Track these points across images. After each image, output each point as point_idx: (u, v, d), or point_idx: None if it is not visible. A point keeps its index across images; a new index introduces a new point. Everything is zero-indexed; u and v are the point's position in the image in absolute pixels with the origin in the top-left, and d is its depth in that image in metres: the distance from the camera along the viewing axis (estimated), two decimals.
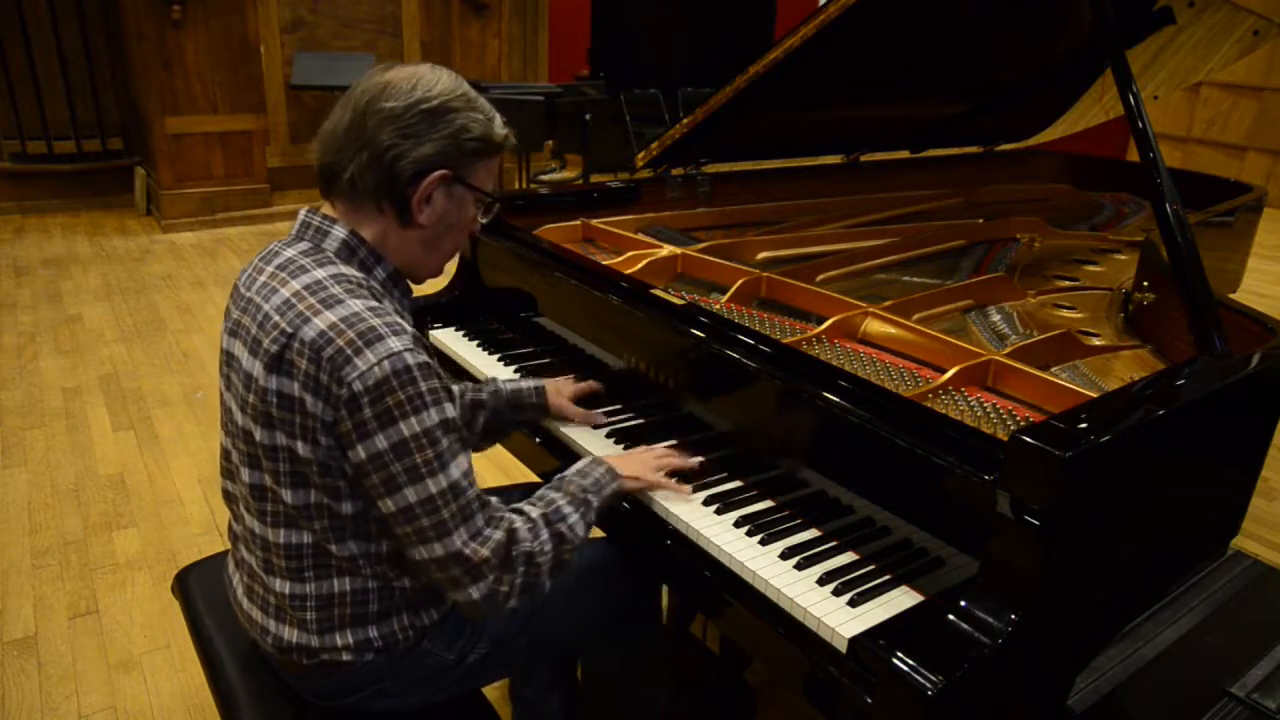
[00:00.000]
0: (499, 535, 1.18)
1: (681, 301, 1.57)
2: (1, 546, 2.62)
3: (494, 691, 1.97)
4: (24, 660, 2.19)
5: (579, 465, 1.40)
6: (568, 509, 1.29)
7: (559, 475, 1.38)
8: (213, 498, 2.90)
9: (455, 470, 1.14)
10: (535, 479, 1.77)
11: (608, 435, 1.59)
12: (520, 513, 1.26)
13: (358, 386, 1.07)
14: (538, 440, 1.68)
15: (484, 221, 1.31)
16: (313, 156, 1.23)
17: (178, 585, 1.59)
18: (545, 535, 1.24)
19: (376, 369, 1.07)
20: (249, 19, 5.96)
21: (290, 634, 1.24)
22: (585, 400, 1.68)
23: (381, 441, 1.09)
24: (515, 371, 1.85)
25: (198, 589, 1.55)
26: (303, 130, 6.36)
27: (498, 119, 1.25)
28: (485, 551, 1.16)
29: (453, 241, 1.29)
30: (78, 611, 2.37)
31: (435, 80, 1.19)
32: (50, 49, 6.03)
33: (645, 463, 1.43)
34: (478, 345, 1.96)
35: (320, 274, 1.16)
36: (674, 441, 1.52)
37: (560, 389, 1.66)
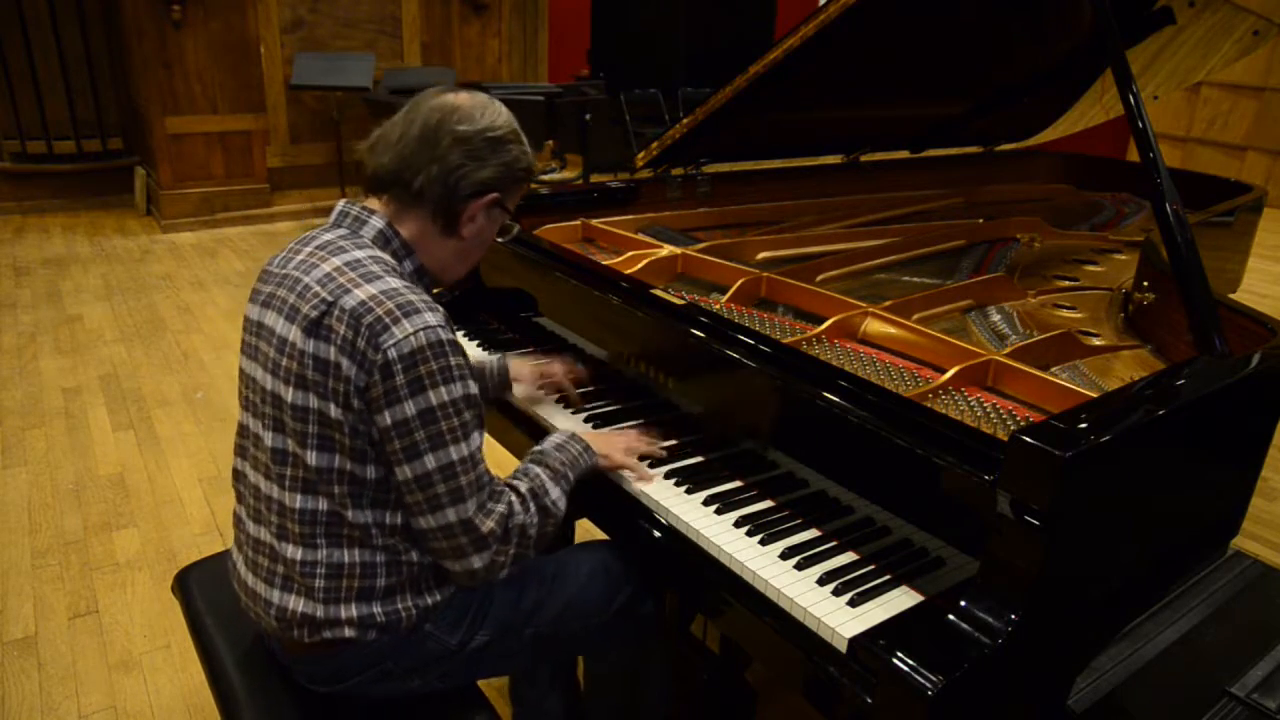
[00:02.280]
0: (501, 509, 1.26)
1: (681, 301, 1.57)
2: (1, 546, 2.62)
3: (494, 691, 1.97)
4: (24, 660, 2.19)
5: (556, 440, 1.45)
6: (550, 484, 1.36)
7: (538, 448, 1.44)
8: (213, 498, 2.90)
9: (475, 442, 1.22)
10: None
11: (595, 428, 1.59)
12: (512, 487, 1.33)
13: (393, 354, 1.14)
14: (534, 439, 1.68)
15: (501, 241, 1.43)
16: (360, 155, 1.32)
17: (178, 585, 1.59)
18: (533, 509, 1.32)
19: (413, 338, 1.15)
20: (249, 19, 5.95)
21: (295, 603, 1.25)
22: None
23: (410, 408, 1.15)
24: None
25: (198, 589, 1.55)
26: (303, 130, 6.35)
27: (531, 153, 1.37)
28: (491, 523, 1.24)
29: (478, 254, 1.42)
30: (78, 611, 2.37)
31: (498, 113, 1.32)
32: (50, 49, 6.03)
33: (616, 445, 1.49)
34: (478, 345, 1.96)
35: (359, 254, 1.25)
36: (640, 421, 1.60)
37: (523, 365, 1.74)
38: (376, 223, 1.29)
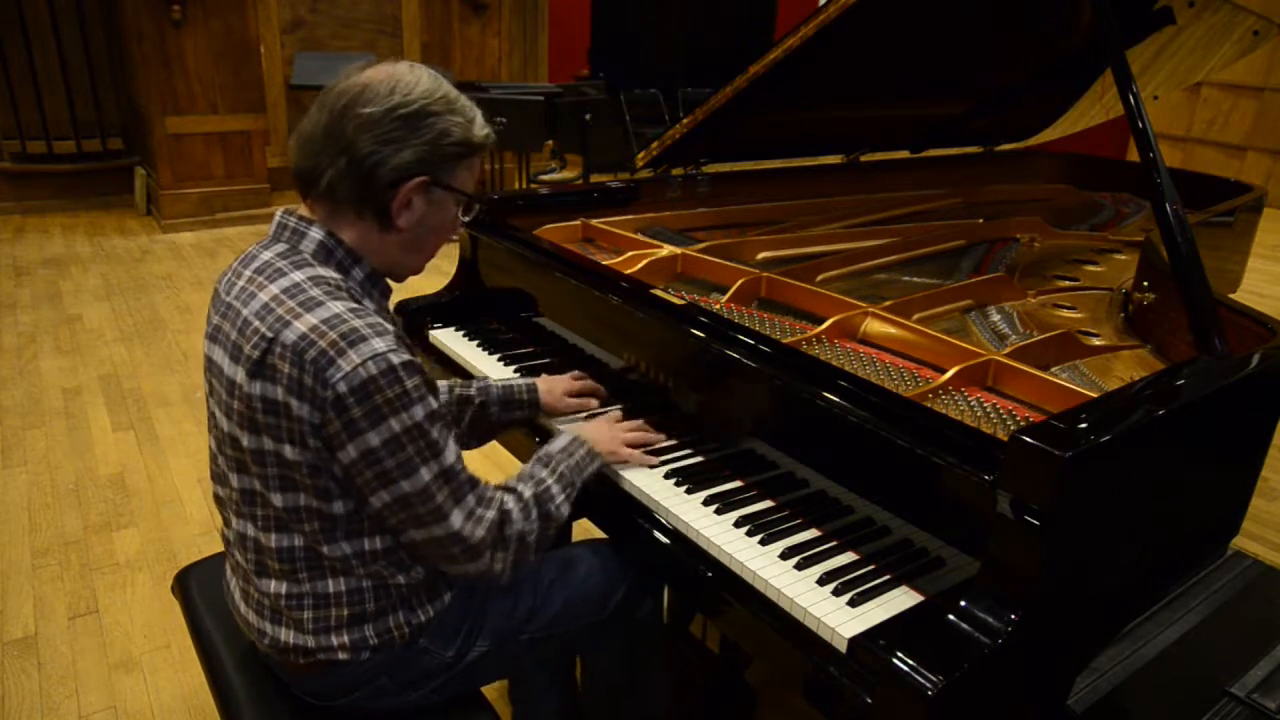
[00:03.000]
0: (492, 515, 1.22)
1: (681, 301, 1.57)
2: (1, 546, 2.62)
3: (494, 691, 1.97)
4: (24, 660, 2.19)
5: (562, 443, 1.42)
6: (555, 489, 1.34)
7: (545, 450, 1.41)
8: (212, 498, 2.89)
9: (448, 456, 1.16)
10: None
11: None
12: (513, 491, 1.29)
13: (342, 388, 1.08)
14: (537, 440, 1.68)
15: (466, 220, 1.30)
16: (289, 158, 1.22)
17: (178, 585, 1.59)
18: (534, 515, 1.29)
19: (361, 369, 1.08)
20: (249, 19, 5.95)
21: (286, 635, 1.24)
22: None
23: (373, 439, 1.10)
24: (515, 371, 1.85)
25: (198, 589, 1.55)
26: None
27: (478, 118, 1.23)
28: (481, 531, 1.21)
29: (434, 242, 1.29)
30: (78, 611, 2.37)
31: (414, 82, 1.17)
32: (50, 49, 6.02)
33: (614, 437, 1.47)
34: (478, 345, 1.96)
35: (298, 276, 1.16)
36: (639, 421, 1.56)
37: (553, 388, 1.66)
38: (315, 234, 1.19)
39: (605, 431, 1.49)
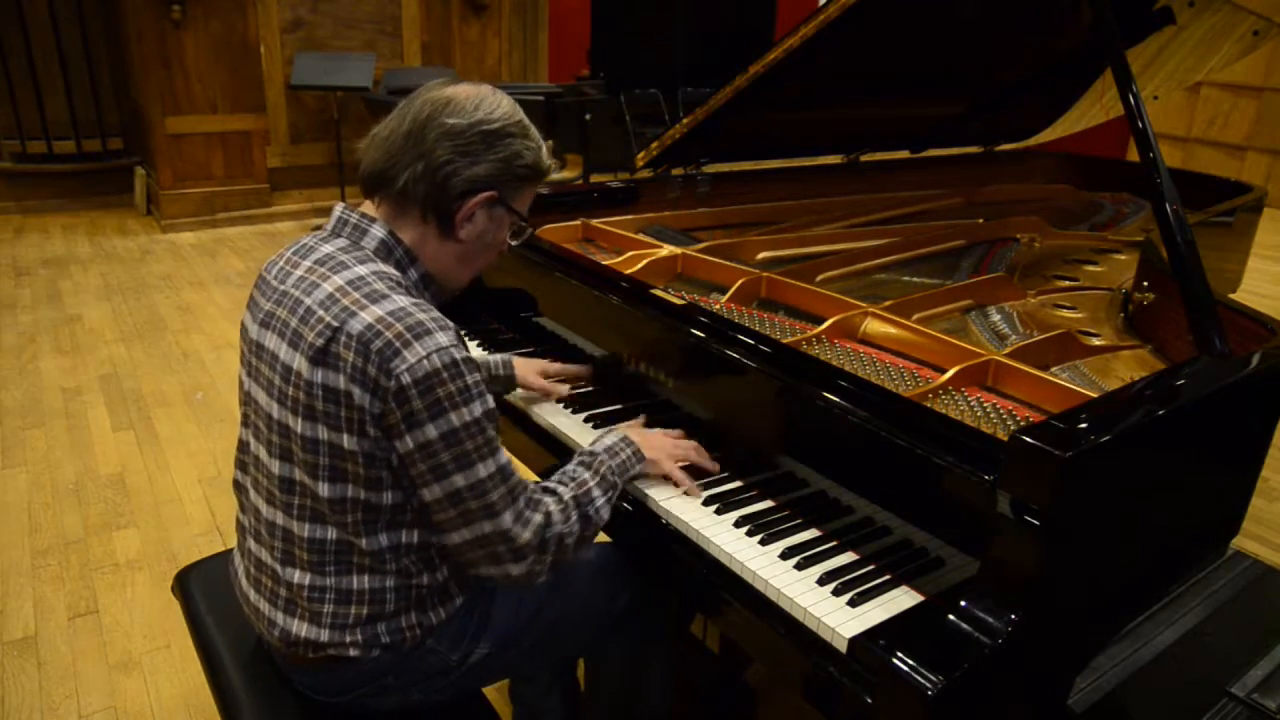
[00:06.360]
0: (538, 518, 1.23)
1: (681, 301, 1.57)
2: (1, 546, 2.62)
3: (494, 691, 1.97)
4: (24, 660, 2.19)
5: (609, 442, 1.41)
6: (596, 492, 1.33)
7: (589, 450, 1.40)
8: (213, 498, 2.90)
9: (502, 455, 1.19)
10: (534, 477, 1.77)
11: (595, 428, 1.59)
12: (553, 493, 1.29)
13: (406, 379, 1.10)
14: (536, 440, 1.68)
15: (514, 244, 1.35)
16: (360, 155, 1.26)
17: (178, 585, 1.59)
18: (575, 517, 1.28)
19: (426, 362, 1.11)
20: (249, 19, 5.95)
21: (300, 628, 1.24)
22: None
23: (431, 431, 1.12)
24: None
25: (198, 589, 1.55)
26: (303, 130, 6.35)
27: (545, 148, 1.30)
28: (528, 534, 1.21)
29: (485, 258, 1.34)
30: (78, 611, 2.37)
31: (497, 104, 1.23)
32: (50, 49, 6.02)
33: (666, 449, 1.44)
34: (478, 345, 1.96)
35: (362, 270, 1.19)
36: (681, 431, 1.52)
37: (529, 364, 1.71)
38: (377, 232, 1.23)
39: (658, 440, 1.45)
